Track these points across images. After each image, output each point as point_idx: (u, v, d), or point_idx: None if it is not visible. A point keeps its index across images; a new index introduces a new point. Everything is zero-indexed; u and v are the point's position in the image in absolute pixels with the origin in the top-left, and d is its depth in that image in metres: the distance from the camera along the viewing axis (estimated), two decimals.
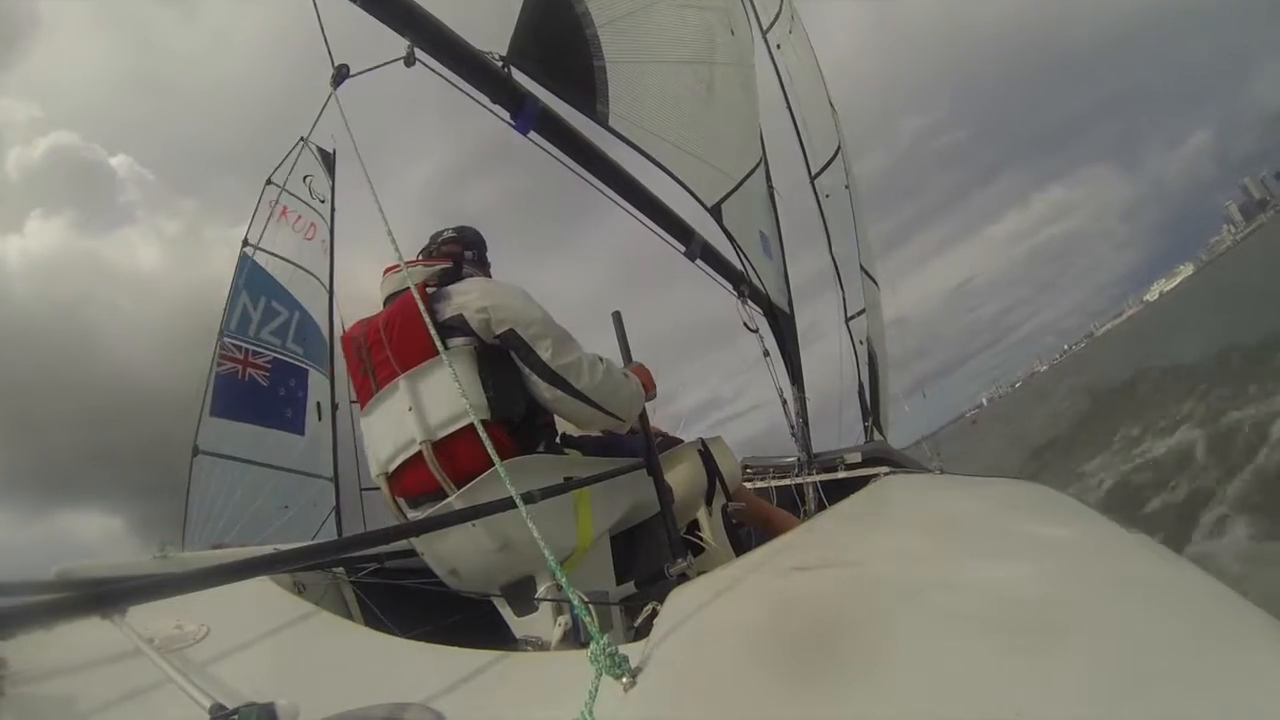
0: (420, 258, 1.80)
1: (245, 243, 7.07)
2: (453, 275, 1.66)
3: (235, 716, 0.63)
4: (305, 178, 7.90)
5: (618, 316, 2.10)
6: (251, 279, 6.93)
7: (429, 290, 1.56)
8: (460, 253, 1.81)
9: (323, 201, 7.97)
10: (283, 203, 7.46)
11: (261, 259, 7.07)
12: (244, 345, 6.57)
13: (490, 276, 1.95)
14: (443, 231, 1.88)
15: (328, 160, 8.28)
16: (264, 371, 6.62)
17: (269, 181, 7.58)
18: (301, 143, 8.09)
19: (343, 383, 7.34)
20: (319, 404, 7.00)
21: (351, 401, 7.38)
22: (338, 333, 7.66)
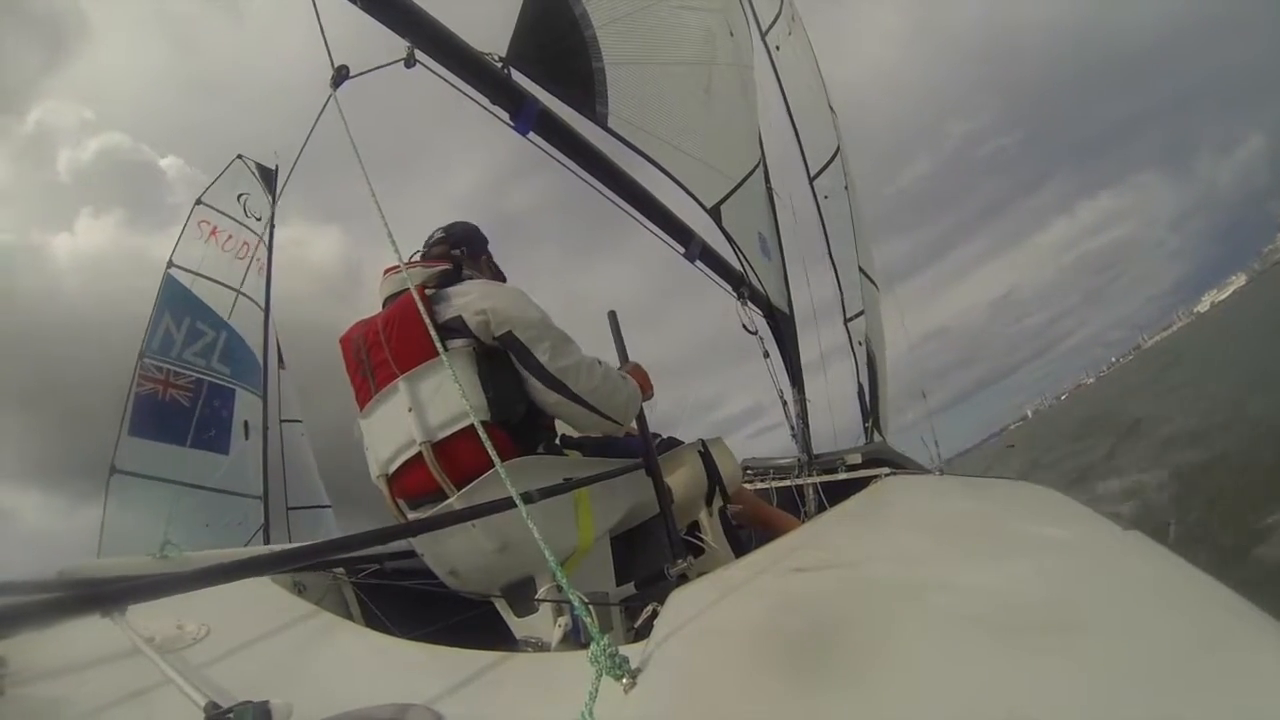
0: (419, 259, 1.80)
1: (170, 263, 7.08)
2: (453, 277, 1.65)
3: (230, 715, 0.63)
4: (240, 196, 7.87)
5: (613, 316, 2.10)
6: (175, 299, 6.93)
7: (428, 292, 1.56)
8: (448, 252, 1.80)
9: (258, 219, 7.92)
10: (214, 222, 7.50)
11: (187, 279, 7.08)
12: (165, 366, 6.59)
13: (495, 270, 1.94)
14: (433, 233, 1.88)
15: (267, 177, 8.23)
16: (186, 392, 6.64)
17: (199, 202, 7.54)
18: (240, 160, 8.06)
19: (274, 401, 7.50)
20: (246, 423, 6.98)
21: (283, 421, 7.65)
22: (272, 351, 7.51)
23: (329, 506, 7.75)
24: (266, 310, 7.68)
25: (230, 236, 7.59)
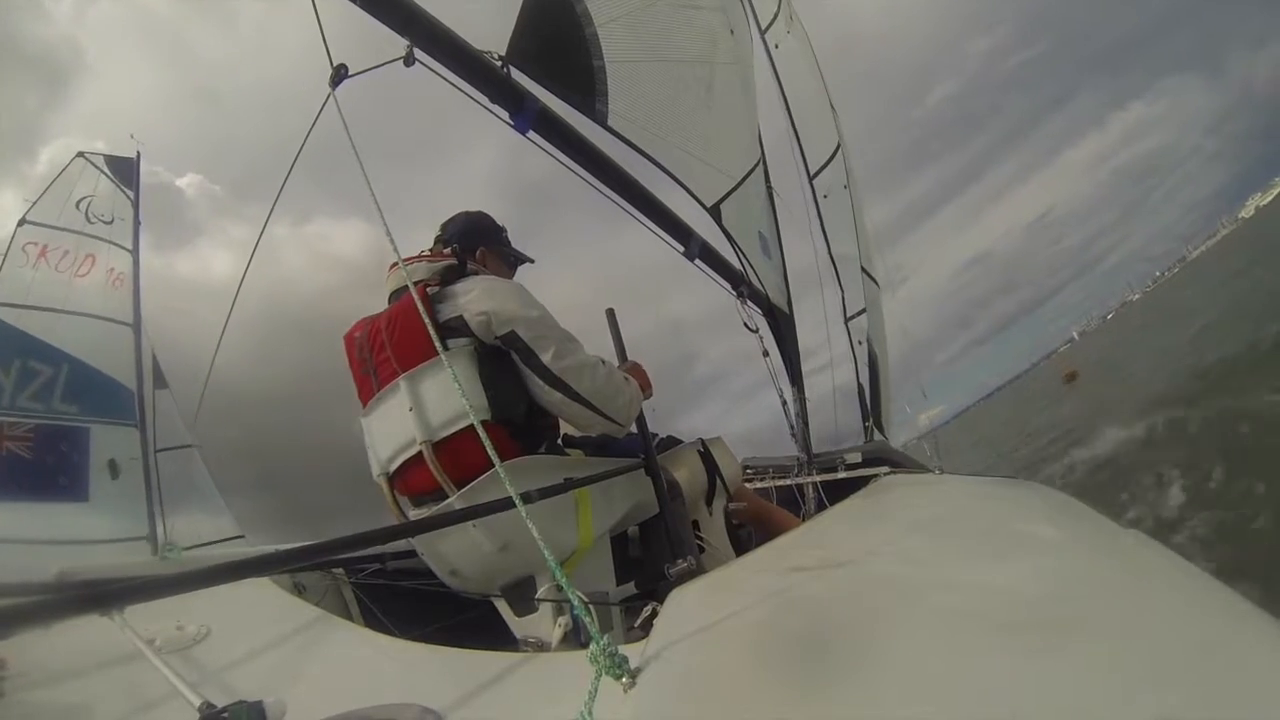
0: (428, 252, 1.78)
1: None
2: (457, 273, 1.64)
3: (225, 715, 0.64)
4: (80, 201, 6.75)
5: (611, 314, 2.09)
6: None
7: (431, 289, 1.55)
8: (440, 252, 1.76)
9: (108, 222, 6.82)
10: (42, 241, 6.38)
11: (10, 315, 5.98)
12: None
13: (504, 262, 1.90)
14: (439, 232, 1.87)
15: (122, 170, 7.22)
16: (25, 442, 5.83)
17: (22, 222, 6.40)
18: (80, 157, 7.02)
19: (150, 429, 6.45)
20: (112, 461, 6.03)
21: (159, 450, 6.48)
22: (147, 372, 6.50)
23: (240, 537, 6.71)
24: (136, 326, 6.57)
25: (66, 253, 6.47)
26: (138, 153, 7.37)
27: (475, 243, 1.83)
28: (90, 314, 6.43)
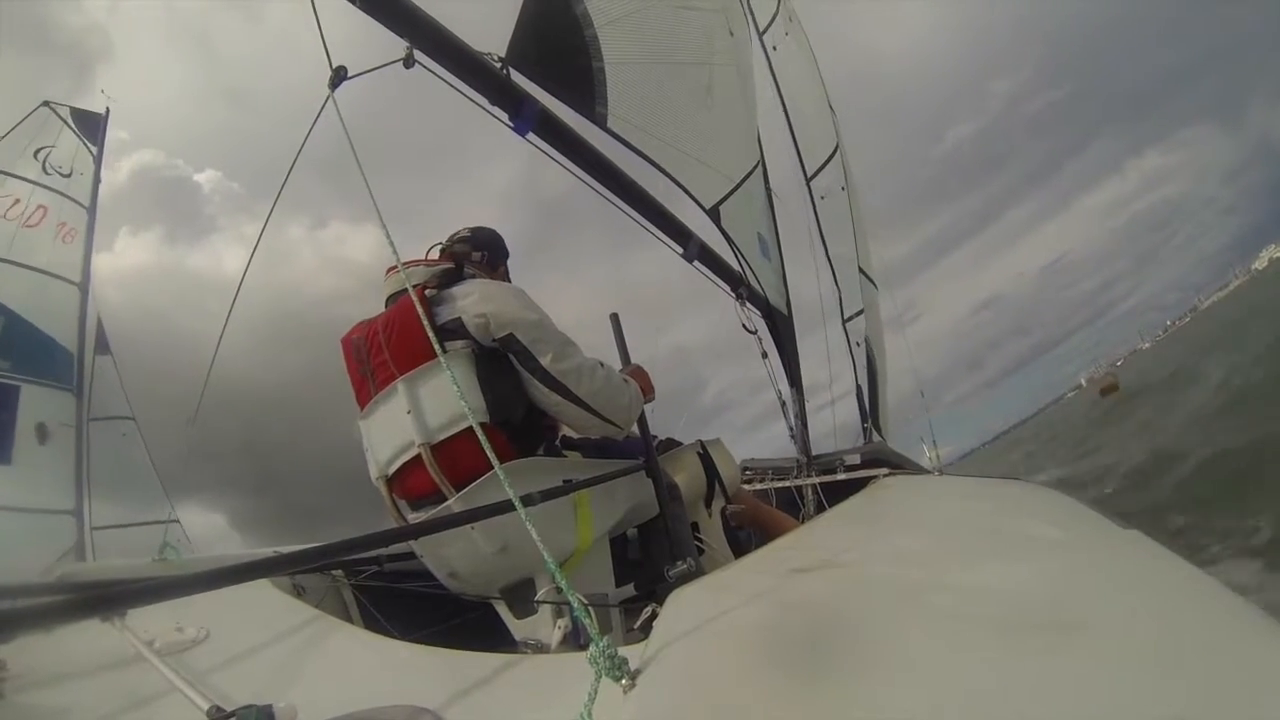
0: (429, 256, 1.79)
1: None
2: (454, 277, 1.65)
3: (233, 718, 0.64)
4: (38, 151, 6.46)
5: (615, 318, 2.10)
6: None
7: (429, 292, 1.55)
8: (468, 253, 1.80)
9: (66, 175, 6.57)
10: None
11: None
12: None
13: (500, 278, 1.91)
14: (459, 230, 1.88)
15: (87, 122, 6.90)
16: None
17: None
18: (45, 106, 6.70)
19: (86, 395, 6.10)
20: (41, 425, 5.67)
21: (92, 419, 6.13)
22: (90, 334, 6.11)
23: (175, 521, 6.33)
24: (84, 285, 6.26)
25: (16, 201, 6.12)
26: (106, 109, 7.15)
27: (497, 258, 1.90)
28: (35, 267, 6.14)
